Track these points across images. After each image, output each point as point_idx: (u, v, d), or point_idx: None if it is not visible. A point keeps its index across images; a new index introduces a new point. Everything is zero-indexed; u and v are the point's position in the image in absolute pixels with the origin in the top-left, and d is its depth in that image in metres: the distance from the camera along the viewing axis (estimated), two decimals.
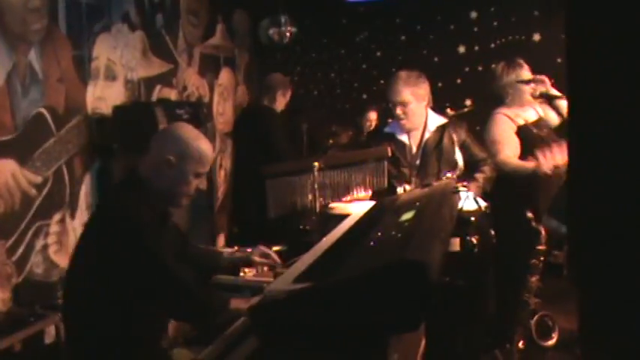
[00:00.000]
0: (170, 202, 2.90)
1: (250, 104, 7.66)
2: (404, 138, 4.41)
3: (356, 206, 4.01)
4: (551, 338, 4.27)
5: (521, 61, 4.74)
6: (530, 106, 4.75)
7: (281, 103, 6.27)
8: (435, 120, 4.46)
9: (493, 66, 4.89)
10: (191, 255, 3.27)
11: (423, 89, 4.37)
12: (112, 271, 2.61)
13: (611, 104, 1.51)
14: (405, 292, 1.92)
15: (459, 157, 4.20)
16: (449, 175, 4.05)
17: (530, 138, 4.60)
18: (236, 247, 3.43)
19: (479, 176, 4.39)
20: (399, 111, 4.33)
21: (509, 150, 4.57)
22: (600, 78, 1.54)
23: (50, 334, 4.10)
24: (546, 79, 4.66)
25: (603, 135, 1.54)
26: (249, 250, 3.34)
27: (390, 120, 7.02)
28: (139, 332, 2.71)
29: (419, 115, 4.39)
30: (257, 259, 3.29)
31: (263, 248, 3.34)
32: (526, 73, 4.69)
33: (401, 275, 1.93)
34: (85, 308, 2.71)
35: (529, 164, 4.43)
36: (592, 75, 1.56)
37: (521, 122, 4.65)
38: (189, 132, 2.89)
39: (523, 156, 4.60)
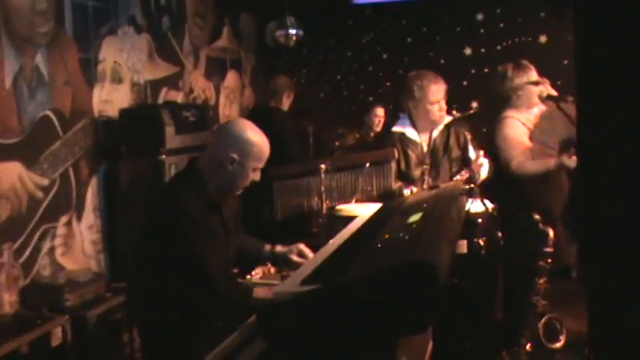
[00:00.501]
0: (225, 192, 3.12)
1: (258, 106, 7.65)
2: (414, 135, 4.44)
3: (363, 208, 4.00)
4: (558, 340, 4.24)
5: (528, 63, 4.72)
6: (536, 108, 4.73)
7: (286, 105, 6.30)
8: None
9: (500, 68, 4.84)
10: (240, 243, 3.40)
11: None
12: (158, 254, 2.94)
13: (620, 105, 1.51)
14: (414, 294, 1.91)
15: (472, 151, 4.21)
16: (463, 173, 4.06)
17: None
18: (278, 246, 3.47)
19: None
20: (436, 108, 4.41)
21: (520, 153, 4.54)
22: (609, 79, 1.53)
23: (57, 337, 4.08)
24: (547, 81, 4.65)
25: (613, 136, 1.53)
26: (287, 247, 3.40)
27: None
28: (189, 314, 2.95)
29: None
30: (294, 257, 3.34)
31: (302, 247, 3.40)
32: (534, 74, 4.67)
33: (410, 276, 1.91)
34: (145, 292, 3.08)
35: (550, 161, 4.43)
36: (601, 76, 1.56)
37: (530, 125, 4.63)
38: (250, 129, 3.07)
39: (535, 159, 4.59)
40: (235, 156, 2.98)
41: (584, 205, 1.61)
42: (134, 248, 3.19)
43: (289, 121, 6.16)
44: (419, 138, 4.46)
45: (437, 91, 4.40)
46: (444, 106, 4.46)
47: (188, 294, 2.90)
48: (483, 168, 4.28)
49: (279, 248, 3.40)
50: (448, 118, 4.49)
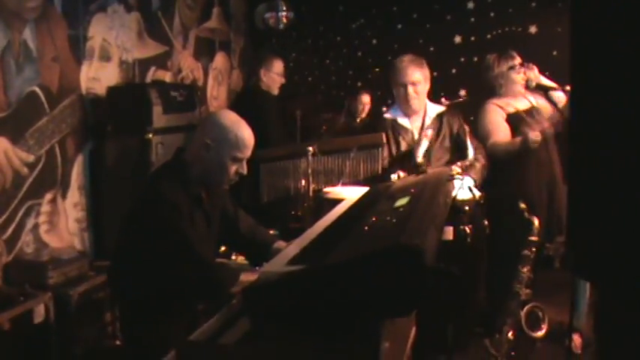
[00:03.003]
0: (209, 184, 3.10)
1: (245, 87, 7.58)
2: (405, 122, 4.45)
3: (350, 191, 4.00)
4: (540, 329, 4.26)
5: (514, 53, 4.79)
6: (522, 97, 4.79)
7: (270, 80, 6.06)
8: (434, 108, 4.52)
9: (488, 57, 4.90)
10: (244, 235, 3.39)
11: (428, 71, 4.47)
12: (143, 243, 2.93)
13: (613, 95, 1.51)
14: (400, 277, 1.91)
15: (470, 148, 4.20)
16: (459, 164, 4.07)
17: (522, 124, 4.65)
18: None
19: (476, 164, 4.39)
20: (410, 90, 4.38)
21: (498, 136, 4.65)
22: (603, 68, 1.53)
23: (39, 314, 4.08)
24: (534, 67, 4.69)
25: (605, 125, 1.53)
26: None
27: (385, 107, 7.06)
28: (171, 295, 2.95)
29: (424, 97, 4.50)
30: None
31: None
32: (516, 62, 4.73)
33: (397, 259, 1.92)
34: (125, 274, 3.07)
35: (517, 139, 4.56)
36: (595, 65, 1.56)
37: (512, 110, 4.75)
38: (228, 118, 3.06)
39: None
40: (209, 141, 2.99)
41: (574, 194, 1.61)
42: (117, 232, 3.18)
43: (272, 103, 6.00)
44: (410, 125, 4.46)
45: (408, 73, 4.37)
46: (421, 92, 4.43)
47: (171, 274, 2.89)
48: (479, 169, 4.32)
49: None
50: (441, 108, 4.50)
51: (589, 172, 1.58)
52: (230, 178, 3.08)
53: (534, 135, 4.42)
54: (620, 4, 1.47)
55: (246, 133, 3.04)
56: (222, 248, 3.87)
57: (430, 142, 4.35)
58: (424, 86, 4.44)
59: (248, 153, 3.07)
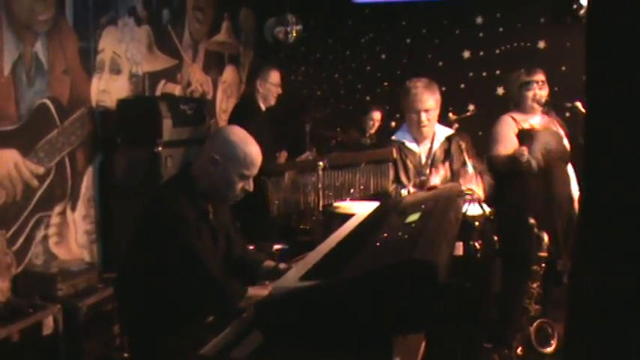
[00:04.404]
0: (215, 199, 3.08)
1: (239, 98, 7.47)
2: (414, 147, 4.37)
3: (360, 206, 4.00)
4: (549, 345, 4.25)
5: (539, 69, 4.73)
6: (542, 116, 4.76)
7: (266, 90, 5.93)
8: (443, 131, 4.43)
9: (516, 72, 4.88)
10: (238, 257, 3.34)
11: (439, 95, 4.37)
12: (151, 256, 2.92)
13: (629, 108, 1.50)
14: (414, 293, 1.91)
15: (469, 165, 4.16)
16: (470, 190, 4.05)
17: (532, 141, 4.62)
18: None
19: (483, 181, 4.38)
20: (423, 118, 4.28)
21: (503, 148, 4.63)
22: (620, 82, 1.53)
23: (49, 326, 4.08)
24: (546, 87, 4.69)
25: (621, 141, 1.53)
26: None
27: (393, 122, 7.05)
28: (179, 310, 2.94)
29: (435, 122, 4.40)
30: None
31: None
32: (538, 78, 4.69)
33: (411, 275, 1.92)
34: (133, 287, 3.06)
35: (510, 151, 4.59)
36: (611, 79, 1.55)
37: (527, 126, 4.67)
38: (237, 134, 3.05)
39: None
40: (217, 157, 2.97)
41: (591, 211, 1.60)
42: (125, 245, 3.17)
43: (258, 117, 5.79)
44: (418, 148, 4.39)
45: (422, 100, 4.27)
46: (433, 118, 4.34)
47: (178, 287, 2.89)
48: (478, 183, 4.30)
49: (282, 266, 3.27)
50: (449, 131, 4.46)
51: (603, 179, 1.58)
52: (236, 194, 3.06)
53: (520, 150, 4.45)
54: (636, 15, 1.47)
55: (254, 151, 3.02)
56: None
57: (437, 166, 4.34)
58: (436, 112, 4.35)
59: (255, 171, 3.06)
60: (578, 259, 1.69)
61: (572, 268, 1.74)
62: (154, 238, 2.94)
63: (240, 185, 3.02)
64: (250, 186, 3.07)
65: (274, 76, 5.96)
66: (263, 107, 5.87)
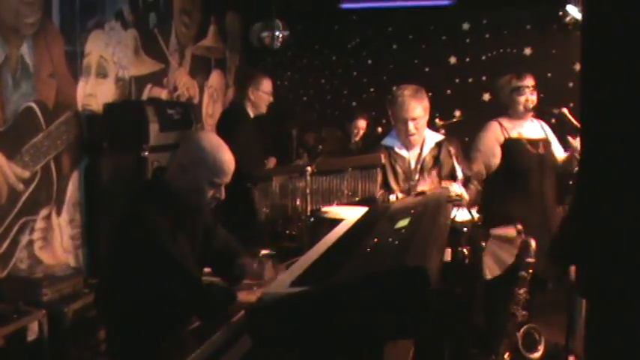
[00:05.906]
0: (187, 204, 2.99)
1: (228, 106, 7.44)
2: (403, 152, 4.37)
3: (349, 211, 3.99)
4: (537, 350, 4.25)
5: (529, 75, 4.72)
6: (536, 123, 4.75)
7: (258, 98, 5.82)
8: (433, 137, 4.43)
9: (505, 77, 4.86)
10: (217, 250, 3.26)
11: (427, 102, 4.35)
12: (127, 264, 2.87)
13: (624, 113, 1.50)
14: (406, 299, 1.90)
15: (458, 170, 4.16)
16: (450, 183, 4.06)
17: (519, 153, 4.61)
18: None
19: (470, 186, 4.39)
20: (410, 126, 4.26)
21: (486, 160, 4.68)
22: (615, 86, 1.53)
23: (33, 331, 4.04)
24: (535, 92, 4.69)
25: (616, 146, 1.53)
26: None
27: (380, 128, 7.06)
28: (160, 320, 2.90)
29: (424, 130, 4.39)
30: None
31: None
32: (527, 83, 4.68)
33: (403, 281, 1.91)
34: (113, 295, 3.01)
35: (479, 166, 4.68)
36: (606, 82, 1.56)
37: (514, 135, 4.65)
38: (208, 140, 2.97)
39: (508, 169, 4.63)
40: (186, 162, 2.92)
41: (587, 217, 1.60)
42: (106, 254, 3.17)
43: (244, 125, 5.70)
44: (408, 154, 4.39)
45: (409, 109, 4.25)
46: (421, 126, 4.33)
47: (159, 292, 2.83)
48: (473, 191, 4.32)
49: (255, 265, 3.21)
50: (439, 137, 4.46)
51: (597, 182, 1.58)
52: (207, 202, 2.99)
53: (477, 175, 4.58)
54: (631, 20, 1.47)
55: (225, 158, 2.94)
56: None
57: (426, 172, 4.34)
58: (424, 119, 4.33)
59: (226, 179, 2.98)
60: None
61: (577, 274, 1.75)
62: (127, 247, 2.88)
63: (210, 193, 2.96)
64: (222, 194, 2.99)
65: (266, 85, 5.92)
66: (252, 114, 5.81)
